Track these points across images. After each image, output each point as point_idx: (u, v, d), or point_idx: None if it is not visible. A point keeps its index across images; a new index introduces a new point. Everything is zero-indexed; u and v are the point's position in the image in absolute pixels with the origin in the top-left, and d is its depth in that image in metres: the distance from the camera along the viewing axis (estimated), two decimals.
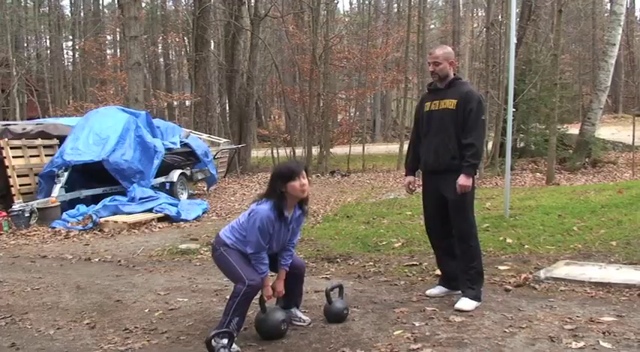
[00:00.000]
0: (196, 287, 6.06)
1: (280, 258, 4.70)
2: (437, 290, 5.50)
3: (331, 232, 8.79)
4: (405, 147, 22.35)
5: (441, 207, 5.32)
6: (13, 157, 11.29)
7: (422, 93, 5.87)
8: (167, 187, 12.46)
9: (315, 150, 22.88)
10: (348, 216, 10.23)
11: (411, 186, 5.63)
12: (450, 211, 5.24)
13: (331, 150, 24.38)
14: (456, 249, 5.30)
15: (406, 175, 5.69)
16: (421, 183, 5.61)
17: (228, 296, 4.48)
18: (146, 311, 5.37)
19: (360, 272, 6.58)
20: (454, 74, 5.34)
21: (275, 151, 24.21)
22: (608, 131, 23.02)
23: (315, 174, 20.28)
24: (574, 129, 20.13)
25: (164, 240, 8.95)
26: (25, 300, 5.97)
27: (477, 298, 5.12)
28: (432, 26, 47.38)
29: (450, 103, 5.18)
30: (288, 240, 4.66)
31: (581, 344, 4.16)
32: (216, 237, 4.63)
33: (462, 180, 5.06)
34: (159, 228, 10.09)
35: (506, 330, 4.50)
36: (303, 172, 4.47)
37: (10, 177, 11.19)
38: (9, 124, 12.62)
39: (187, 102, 31.12)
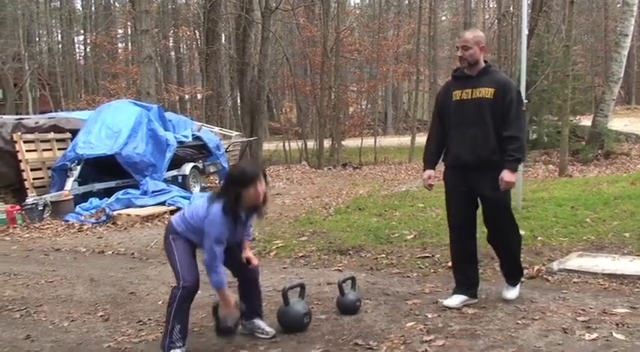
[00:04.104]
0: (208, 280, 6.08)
1: None
2: (456, 300, 4.97)
3: (343, 224, 8.79)
4: (417, 139, 22.22)
5: (470, 205, 4.97)
6: (27, 151, 11.36)
7: (447, 81, 5.42)
8: (179, 180, 12.48)
9: (326, 143, 22.88)
10: (360, 209, 10.22)
11: (430, 181, 5.12)
12: (486, 210, 4.92)
13: (343, 142, 24.41)
14: (477, 253, 5.13)
15: (425, 169, 5.21)
16: (443, 178, 5.16)
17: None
18: (159, 303, 5.40)
19: (372, 264, 6.58)
20: (485, 61, 4.94)
21: (287, 144, 24.21)
22: (621, 122, 22.85)
23: (326, 167, 20.30)
24: (586, 121, 19.99)
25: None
26: (39, 293, 6.02)
27: (519, 285, 5.13)
28: (443, 18, 47.12)
29: (487, 92, 4.77)
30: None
31: (595, 335, 4.16)
32: (168, 223, 4.40)
33: (507, 176, 4.67)
34: None
35: (519, 322, 4.50)
36: (261, 177, 4.14)
37: (23, 170, 11.24)
38: (22, 118, 12.67)
39: (199, 96, 31.19)
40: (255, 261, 4.55)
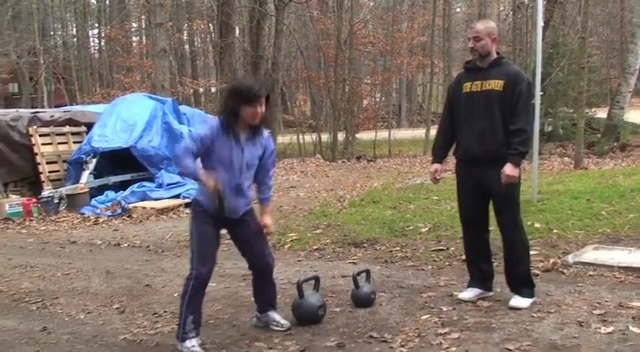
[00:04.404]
0: (224, 272, 6.10)
1: (258, 191, 4.48)
2: (470, 293, 4.97)
3: (358, 217, 8.79)
4: (432, 132, 22.18)
5: (480, 200, 4.87)
6: (42, 144, 11.43)
7: (459, 73, 5.31)
8: None
9: (340, 136, 22.85)
10: (374, 201, 10.21)
11: (436, 175, 5.07)
12: (495, 205, 4.83)
13: (357, 135, 24.38)
14: (489, 246, 5.03)
15: (433, 162, 5.16)
16: (455, 172, 5.10)
17: None
18: (175, 295, 5.42)
19: (386, 257, 6.58)
20: (497, 53, 4.83)
21: (301, 137, 24.21)
22: (637, 115, 22.63)
23: (341, 160, 20.29)
24: (602, 113, 19.88)
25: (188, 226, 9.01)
26: (55, 285, 6.06)
27: (530, 295, 4.76)
28: (458, 9, 46.89)
29: (496, 84, 4.67)
30: (262, 171, 4.37)
31: (610, 329, 4.14)
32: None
33: (509, 170, 4.57)
34: (186, 213, 10.14)
35: (534, 315, 4.49)
36: (263, 99, 4.09)
37: (39, 163, 11.32)
38: (37, 112, 12.74)
39: (213, 89, 31.19)
40: (271, 228, 4.47)
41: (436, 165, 5.10)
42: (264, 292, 4.55)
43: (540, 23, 9.37)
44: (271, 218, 4.48)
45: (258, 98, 4.06)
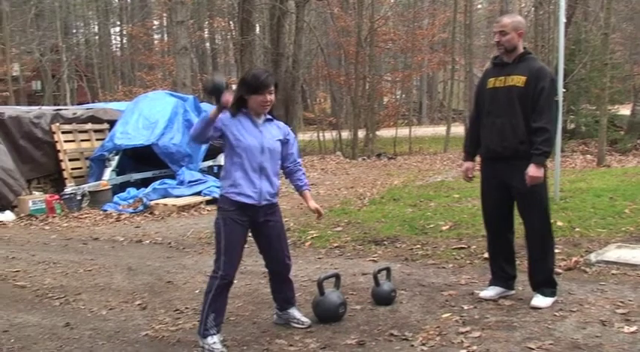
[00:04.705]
0: (245, 269, 6.11)
1: (294, 183, 4.49)
2: (492, 291, 4.92)
3: (378, 215, 8.78)
4: (452, 129, 22.07)
5: (503, 198, 4.78)
6: (65, 141, 11.55)
7: (486, 68, 5.17)
8: (215, 170, 12.56)
9: (361, 133, 22.83)
10: (394, 199, 10.20)
11: (469, 174, 5.02)
12: (519, 204, 4.73)
13: (377, 132, 24.36)
14: (513, 246, 4.96)
15: (464, 160, 5.10)
16: (480, 170, 4.99)
17: None
18: (196, 292, 5.45)
19: (407, 255, 6.56)
20: (524, 48, 4.73)
21: (321, 134, 24.21)
22: None
23: (361, 157, 20.28)
24: (625, 110, 19.69)
25: (212, 223, 9.04)
26: (78, 281, 6.11)
27: (552, 294, 4.71)
28: (479, 6, 46.58)
29: (519, 80, 4.58)
30: (288, 159, 4.38)
31: (634, 328, 4.10)
32: None
33: (533, 171, 4.47)
34: (207, 210, 10.20)
35: (556, 314, 4.46)
36: (272, 88, 4.11)
37: (62, 161, 11.43)
38: (60, 109, 12.86)
39: (234, 87, 31.26)
40: (321, 211, 4.50)
41: (467, 163, 5.05)
42: (282, 290, 4.56)
43: (563, 19, 9.29)
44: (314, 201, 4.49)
45: (266, 87, 4.08)
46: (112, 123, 12.25)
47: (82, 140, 11.98)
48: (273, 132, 4.27)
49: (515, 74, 4.63)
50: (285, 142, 4.35)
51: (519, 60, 4.67)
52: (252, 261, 6.22)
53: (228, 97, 3.94)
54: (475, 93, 5.12)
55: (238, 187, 4.15)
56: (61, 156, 11.41)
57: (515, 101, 4.59)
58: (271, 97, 4.12)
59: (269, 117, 4.27)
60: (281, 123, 4.37)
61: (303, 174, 4.51)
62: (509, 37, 4.62)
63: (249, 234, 4.34)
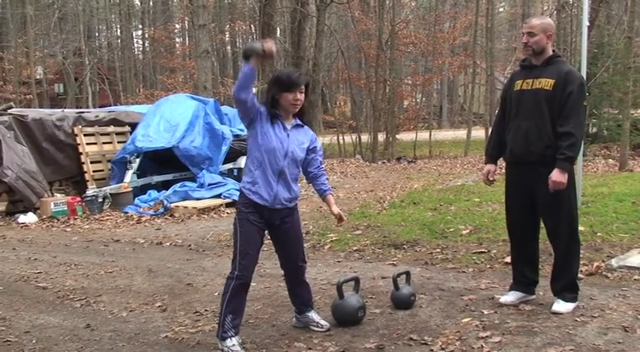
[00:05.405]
0: (264, 272, 6.13)
1: (317, 188, 4.47)
2: (512, 296, 4.85)
3: (398, 219, 8.76)
4: (473, 133, 21.91)
5: (527, 203, 4.69)
6: (87, 144, 11.63)
7: (513, 70, 5.07)
8: (235, 173, 12.59)
9: (381, 137, 22.81)
10: (414, 203, 10.17)
11: (490, 177, 4.92)
12: (544, 209, 4.63)
13: (397, 136, 24.30)
14: (537, 252, 4.89)
15: (486, 163, 5.00)
16: (504, 174, 4.93)
17: None
18: (216, 294, 5.46)
19: (427, 259, 6.54)
20: (553, 51, 4.66)
21: (341, 138, 24.21)
22: None
23: (381, 161, 20.26)
24: None
25: (232, 225, 9.07)
26: (98, 283, 6.15)
27: (574, 299, 4.65)
28: (501, 9, 46.41)
29: (547, 83, 4.49)
30: (312, 164, 4.39)
31: None
32: None
33: (556, 176, 4.37)
34: (227, 213, 10.22)
35: (577, 319, 4.42)
36: (302, 87, 4.15)
37: (83, 163, 11.52)
38: (82, 112, 12.96)
39: (254, 90, 31.38)
40: (344, 217, 4.52)
41: (489, 166, 4.96)
42: (298, 293, 4.56)
43: (585, 23, 9.21)
44: (337, 206, 4.49)
45: (297, 85, 4.12)
46: (133, 125, 12.32)
47: (104, 142, 12.07)
48: (300, 138, 4.28)
49: (543, 77, 4.56)
50: (311, 148, 4.37)
51: (548, 63, 4.60)
52: (272, 264, 6.22)
53: (270, 44, 3.89)
54: (501, 95, 5.07)
55: (255, 186, 4.17)
56: (83, 158, 11.50)
57: (543, 104, 4.51)
58: (301, 96, 4.16)
59: (299, 122, 4.30)
60: (309, 130, 4.39)
61: (327, 178, 4.52)
62: (537, 38, 4.56)
63: (268, 237, 4.35)
